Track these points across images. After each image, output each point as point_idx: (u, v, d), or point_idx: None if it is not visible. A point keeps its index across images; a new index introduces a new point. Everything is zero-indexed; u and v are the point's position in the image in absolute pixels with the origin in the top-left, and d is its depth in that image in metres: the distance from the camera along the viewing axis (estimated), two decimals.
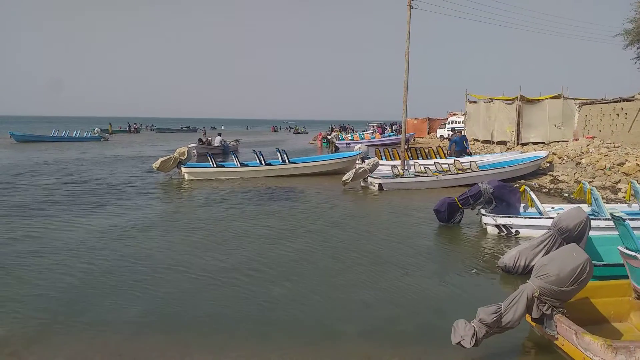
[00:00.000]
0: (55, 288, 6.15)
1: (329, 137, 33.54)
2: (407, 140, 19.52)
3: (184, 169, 17.12)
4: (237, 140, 34.16)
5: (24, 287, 6.17)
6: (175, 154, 17.22)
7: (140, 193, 14.04)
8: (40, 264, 7.10)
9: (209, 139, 30.10)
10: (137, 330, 5.03)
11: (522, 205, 9.50)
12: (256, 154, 18.26)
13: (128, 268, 6.99)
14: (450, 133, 22.26)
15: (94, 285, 6.27)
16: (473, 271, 6.96)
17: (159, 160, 17.08)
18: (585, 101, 20.82)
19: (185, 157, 17.25)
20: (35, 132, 48.30)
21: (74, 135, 43.73)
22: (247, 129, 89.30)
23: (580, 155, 16.69)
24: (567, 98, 22.11)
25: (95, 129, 48.97)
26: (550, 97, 22.50)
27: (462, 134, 20.41)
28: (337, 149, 30.06)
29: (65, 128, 50.92)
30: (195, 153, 25.50)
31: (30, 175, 17.52)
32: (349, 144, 36.66)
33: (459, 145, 19.16)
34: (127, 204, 12.09)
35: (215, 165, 17.48)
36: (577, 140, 19.52)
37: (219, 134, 31.73)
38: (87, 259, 7.34)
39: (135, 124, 72.88)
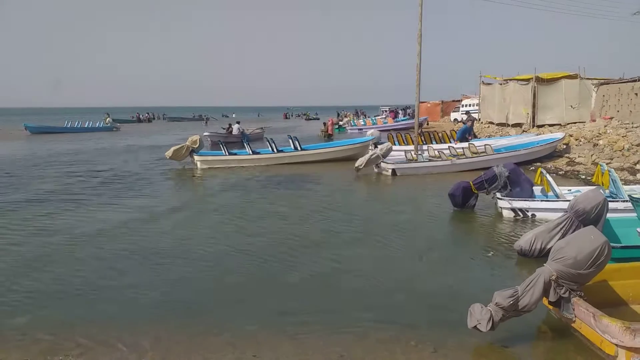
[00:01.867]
0: (89, 272, 6.34)
1: (327, 123, 32.74)
2: (420, 125, 19.36)
3: (196, 157, 17.21)
4: (262, 128, 33.97)
5: (63, 273, 6.39)
6: (187, 143, 17.28)
7: (157, 181, 14.29)
8: (74, 250, 7.40)
9: (231, 128, 30.09)
10: (161, 312, 5.18)
11: (539, 188, 9.40)
12: (268, 141, 18.28)
13: (155, 252, 7.24)
14: (465, 117, 21.95)
15: (118, 269, 6.46)
16: (490, 254, 6.93)
17: (172, 149, 17.18)
18: (602, 81, 20.38)
19: (197, 145, 17.31)
20: (48, 124, 48.87)
21: (86, 126, 44.15)
22: (258, 116, 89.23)
23: (597, 136, 16.39)
24: (584, 78, 21.66)
25: (107, 119, 49.36)
26: (566, 76, 22.05)
27: (471, 124, 20.21)
28: (330, 137, 28.94)
29: (77, 119, 51.34)
30: (209, 141, 25.60)
31: (51, 166, 17.97)
32: (361, 129, 36.46)
33: (461, 134, 18.81)
34: (146, 192, 12.41)
35: (227, 153, 17.53)
36: (594, 121, 19.16)
37: (238, 122, 31.67)
38: (116, 244, 7.66)
39: (148, 113, 73.30)
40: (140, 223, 9.04)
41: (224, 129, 29.99)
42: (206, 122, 58.92)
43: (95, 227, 8.71)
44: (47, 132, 40.67)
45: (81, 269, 6.58)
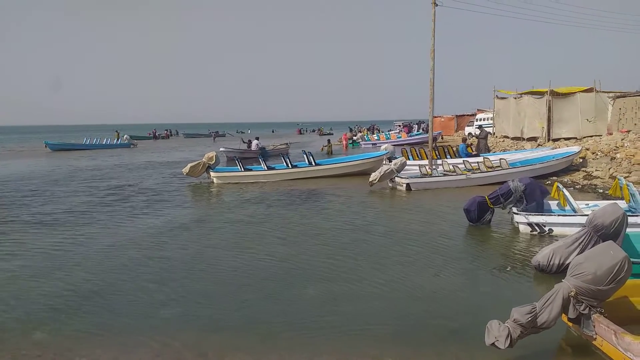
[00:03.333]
0: (110, 285, 6.41)
1: (330, 141, 32.47)
2: (434, 139, 19.33)
3: (212, 174, 17.39)
4: (287, 143, 33.98)
5: (86, 284, 6.50)
6: (204, 159, 17.50)
7: (176, 196, 14.58)
8: (100, 261, 7.59)
9: (249, 142, 30.19)
10: (183, 324, 5.23)
11: (555, 202, 9.30)
12: (283, 156, 18.43)
13: (177, 264, 7.41)
14: (478, 131, 21.88)
15: (143, 280, 6.58)
16: (507, 269, 6.87)
17: (188, 166, 17.42)
18: (618, 94, 20.19)
19: (213, 161, 17.52)
20: (68, 141, 49.81)
21: (104, 143, 44.93)
22: (272, 132, 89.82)
23: (614, 149, 16.19)
24: (600, 91, 21.48)
25: (125, 136, 50.16)
26: (582, 91, 21.89)
27: (485, 138, 20.32)
28: (330, 155, 28.34)
29: (96, 136, 52.27)
30: (225, 157, 25.84)
31: (76, 182, 18.46)
32: (375, 144, 36.48)
33: (464, 154, 18.81)
34: (166, 207, 12.68)
35: (243, 169, 17.69)
36: (611, 134, 18.93)
37: (257, 138, 31.83)
38: (140, 256, 7.80)
39: (166, 130, 74.42)
40: (163, 236, 9.26)
41: (258, 146, 29.65)
42: (214, 139, 59.36)
43: (120, 240, 8.97)
44: (67, 149, 41.49)
45: (105, 280, 6.71)
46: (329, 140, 32.90)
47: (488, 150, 20.88)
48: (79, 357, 4.64)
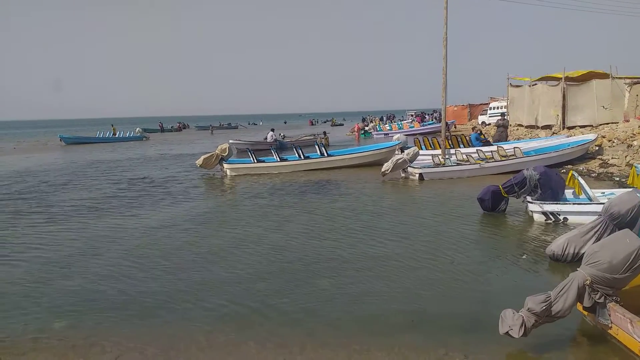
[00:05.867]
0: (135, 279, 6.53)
1: (327, 133, 31.94)
2: (447, 127, 19.17)
3: (225, 165, 17.50)
4: (314, 135, 33.51)
5: (103, 277, 6.64)
6: (217, 151, 17.63)
7: (190, 188, 14.76)
8: (117, 254, 7.66)
9: (267, 135, 30.23)
10: (193, 317, 5.28)
11: (570, 191, 9.20)
12: (294, 147, 18.45)
13: (188, 257, 7.51)
14: (499, 117, 21.58)
15: (154, 273, 6.63)
16: (524, 256, 6.86)
17: (202, 158, 17.58)
18: (635, 80, 19.79)
19: (226, 153, 17.63)
20: (82, 134, 50.32)
21: (117, 136, 45.36)
22: (284, 123, 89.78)
23: (631, 137, 15.91)
24: (616, 77, 21.06)
25: (137, 129, 50.50)
26: (596, 74, 21.45)
27: (479, 130, 20.10)
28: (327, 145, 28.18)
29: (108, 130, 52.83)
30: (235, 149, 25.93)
31: (93, 174, 18.87)
32: (387, 134, 36.31)
33: (477, 142, 18.66)
34: (182, 199, 12.92)
35: (255, 161, 17.77)
36: (627, 121, 18.60)
37: (272, 130, 31.77)
38: (153, 250, 7.90)
39: (179, 123, 74.81)
40: (176, 229, 9.38)
41: (273, 137, 29.33)
42: (212, 132, 59.37)
43: (137, 233, 9.15)
44: (81, 142, 41.98)
45: (119, 272, 6.83)
46: (325, 132, 32.62)
47: (505, 138, 20.66)
48: (93, 350, 4.75)
